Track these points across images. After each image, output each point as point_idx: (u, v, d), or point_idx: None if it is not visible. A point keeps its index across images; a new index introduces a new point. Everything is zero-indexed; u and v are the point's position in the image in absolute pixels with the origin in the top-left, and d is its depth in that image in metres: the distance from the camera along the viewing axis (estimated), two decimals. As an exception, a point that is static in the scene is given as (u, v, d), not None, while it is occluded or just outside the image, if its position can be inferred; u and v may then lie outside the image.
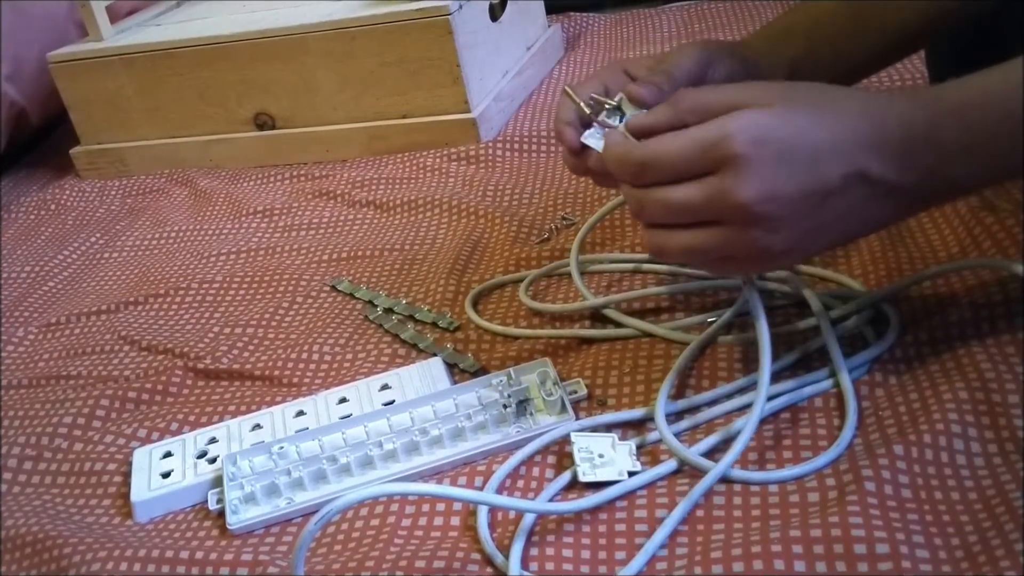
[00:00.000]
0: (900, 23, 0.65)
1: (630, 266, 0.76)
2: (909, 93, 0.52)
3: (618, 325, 0.69)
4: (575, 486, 0.56)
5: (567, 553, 0.51)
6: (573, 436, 0.58)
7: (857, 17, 0.65)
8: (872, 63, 0.68)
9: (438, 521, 0.55)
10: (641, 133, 0.54)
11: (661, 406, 0.59)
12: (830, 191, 0.49)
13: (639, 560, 0.50)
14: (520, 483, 0.57)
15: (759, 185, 0.48)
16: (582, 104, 0.59)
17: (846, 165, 0.49)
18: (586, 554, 0.51)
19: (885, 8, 0.64)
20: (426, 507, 0.56)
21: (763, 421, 0.57)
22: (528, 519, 0.53)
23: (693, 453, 0.55)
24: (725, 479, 0.54)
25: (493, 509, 0.55)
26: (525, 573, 0.50)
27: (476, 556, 0.52)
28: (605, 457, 0.57)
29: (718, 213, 0.50)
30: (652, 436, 0.58)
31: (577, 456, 0.56)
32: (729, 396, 0.60)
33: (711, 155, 0.49)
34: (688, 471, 0.55)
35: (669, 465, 0.55)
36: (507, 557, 0.51)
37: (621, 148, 0.53)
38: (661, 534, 0.51)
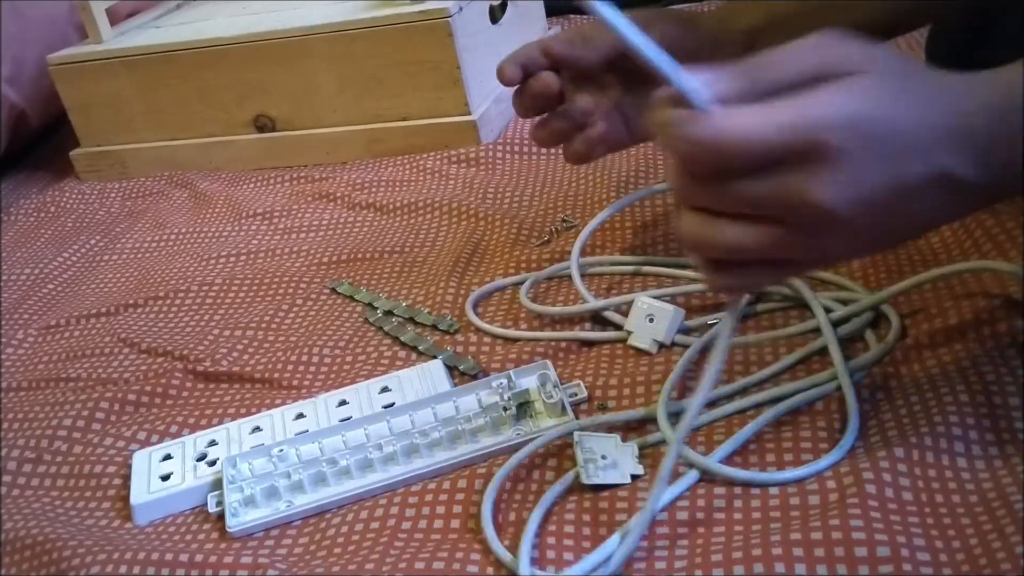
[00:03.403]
0: (854, 18, 0.64)
1: (630, 268, 0.76)
2: (990, 78, 0.45)
3: (618, 328, 0.69)
4: (576, 488, 0.56)
5: (568, 556, 0.51)
6: (577, 436, 0.58)
7: (810, 6, 0.64)
8: None
9: (438, 524, 0.55)
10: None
11: (663, 407, 0.59)
12: (911, 192, 0.43)
13: (617, 557, 0.50)
14: (520, 486, 0.57)
15: (845, 186, 0.41)
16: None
17: (930, 165, 0.43)
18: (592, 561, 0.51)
19: (843, 5, 0.64)
20: (426, 509, 0.56)
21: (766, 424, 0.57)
22: (535, 520, 0.53)
23: (712, 458, 0.55)
24: (728, 481, 0.54)
25: (495, 510, 0.55)
26: (537, 572, 0.50)
27: (476, 557, 0.52)
28: (608, 459, 0.56)
29: (788, 212, 0.42)
30: (652, 438, 0.58)
31: (581, 457, 0.56)
32: (730, 398, 0.60)
33: (798, 147, 0.41)
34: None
35: (692, 476, 0.55)
36: (515, 556, 0.51)
37: (689, 126, 0.41)
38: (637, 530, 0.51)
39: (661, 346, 0.66)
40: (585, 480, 0.55)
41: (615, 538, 0.51)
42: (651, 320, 0.66)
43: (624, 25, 0.42)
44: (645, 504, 0.51)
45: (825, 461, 0.53)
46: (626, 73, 0.64)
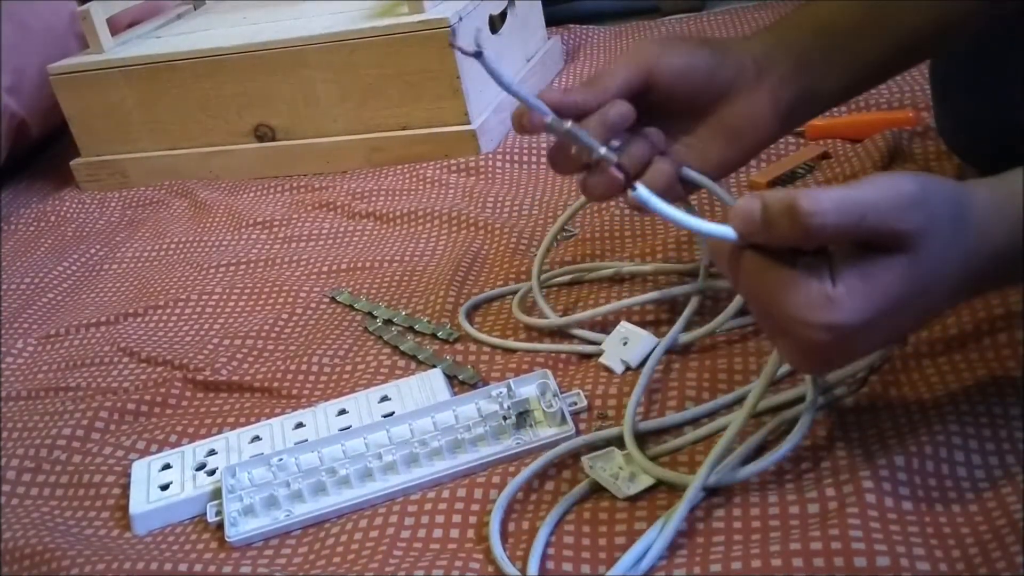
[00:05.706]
0: (912, 23, 0.62)
1: (610, 271, 0.77)
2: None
3: (596, 344, 0.69)
4: (588, 496, 0.56)
5: (585, 569, 0.51)
6: (587, 461, 0.57)
7: (868, 16, 0.62)
8: (885, 67, 0.65)
9: (437, 533, 0.55)
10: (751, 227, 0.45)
11: (629, 428, 0.58)
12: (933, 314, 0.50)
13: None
14: (531, 506, 0.56)
15: (869, 342, 0.47)
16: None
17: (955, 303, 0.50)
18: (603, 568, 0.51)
19: (897, 7, 0.62)
20: (425, 519, 0.56)
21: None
22: (543, 533, 0.53)
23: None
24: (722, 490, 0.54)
25: (505, 519, 0.55)
26: None
27: (475, 566, 0.52)
28: (625, 471, 0.56)
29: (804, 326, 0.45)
30: (665, 447, 0.58)
31: (605, 476, 0.56)
32: (729, 407, 0.60)
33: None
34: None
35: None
36: (521, 570, 0.51)
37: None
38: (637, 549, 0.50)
39: (627, 368, 0.66)
40: (620, 495, 0.55)
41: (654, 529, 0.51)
42: (625, 343, 0.67)
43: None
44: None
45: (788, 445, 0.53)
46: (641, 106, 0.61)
